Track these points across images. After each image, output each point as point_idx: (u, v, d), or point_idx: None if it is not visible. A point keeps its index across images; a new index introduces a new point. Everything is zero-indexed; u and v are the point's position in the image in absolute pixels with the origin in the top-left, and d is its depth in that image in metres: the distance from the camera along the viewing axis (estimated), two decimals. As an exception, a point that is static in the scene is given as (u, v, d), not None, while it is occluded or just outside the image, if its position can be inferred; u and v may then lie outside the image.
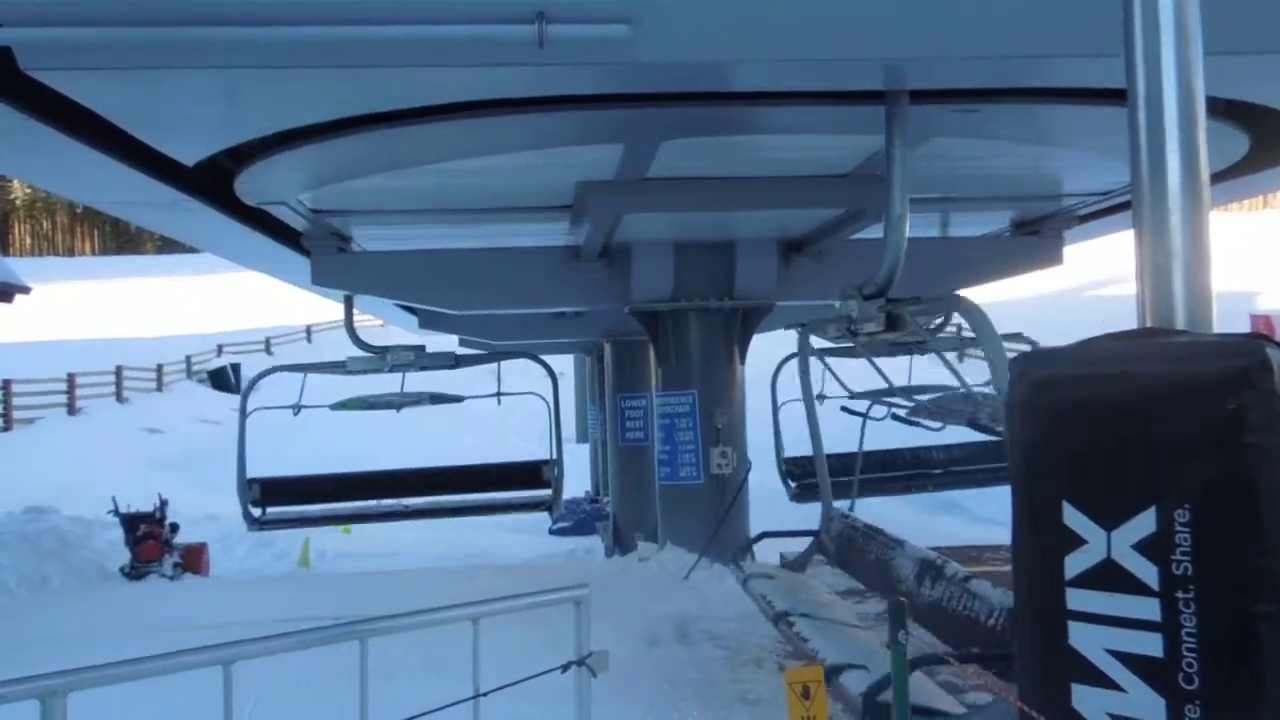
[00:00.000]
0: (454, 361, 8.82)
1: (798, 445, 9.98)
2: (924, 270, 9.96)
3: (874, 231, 8.77)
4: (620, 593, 8.73)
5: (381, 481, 8.89)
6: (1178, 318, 2.36)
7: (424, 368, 8.52)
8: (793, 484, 10.94)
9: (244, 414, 8.14)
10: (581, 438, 24.61)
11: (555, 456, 8.33)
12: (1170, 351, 2.27)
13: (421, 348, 9.44)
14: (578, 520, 18.94)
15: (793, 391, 8.98)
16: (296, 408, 8.33)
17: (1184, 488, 2.15)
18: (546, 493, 9.21)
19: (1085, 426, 2.31)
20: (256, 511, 8.70)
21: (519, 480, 9.35)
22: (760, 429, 16.86)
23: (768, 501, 12.98)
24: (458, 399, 9.16)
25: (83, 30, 4.00)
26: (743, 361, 10.50)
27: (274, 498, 8.63)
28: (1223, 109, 5.93)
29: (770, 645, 7.03)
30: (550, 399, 8.64)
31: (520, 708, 3.76)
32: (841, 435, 11.75)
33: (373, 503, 9.09)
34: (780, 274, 9.79)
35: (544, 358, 10.96)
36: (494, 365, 8.92)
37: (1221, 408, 2.11)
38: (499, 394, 8.65)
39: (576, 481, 21.57)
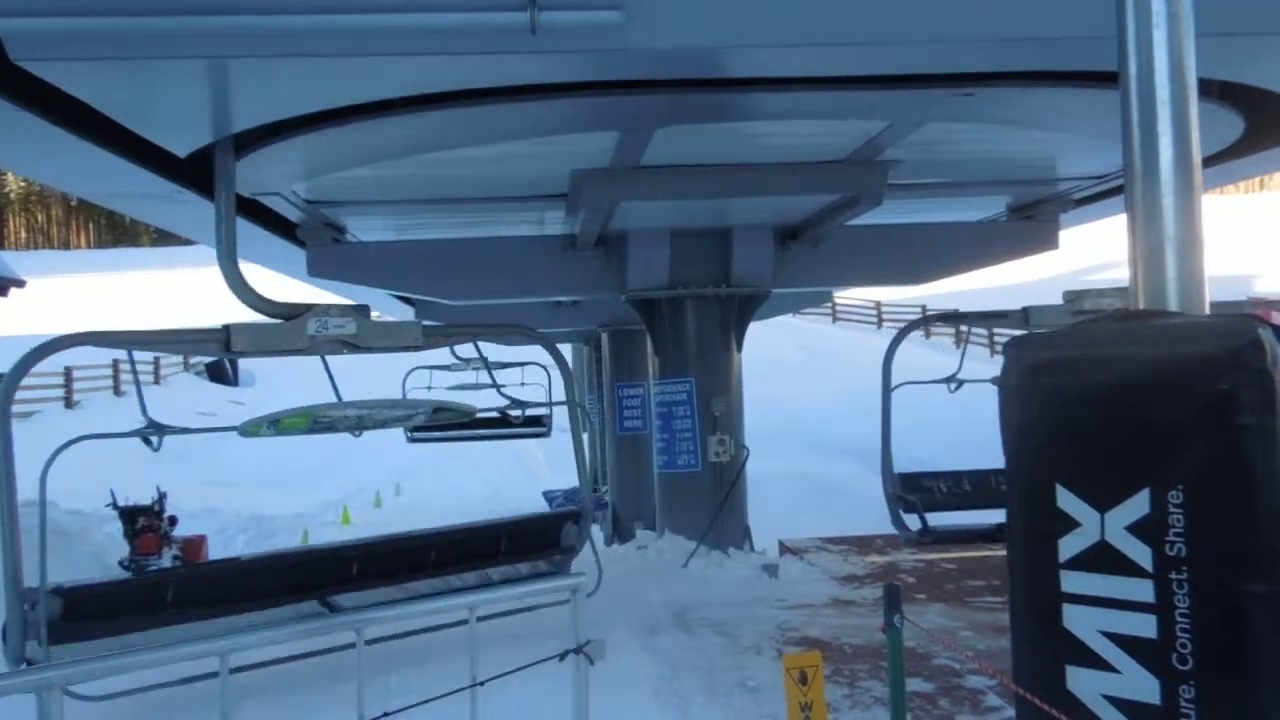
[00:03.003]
0: (501, 365, 12.88)
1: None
2: (922, 255, 10.03)
3: (871, 218, 8.79)
4: (619, 581, 8.75)
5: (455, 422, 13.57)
6: (1170, 300, 2.36)
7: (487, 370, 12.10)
8: (912, 518, 7.51)
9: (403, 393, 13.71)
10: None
11: (548, 411, 10.63)
12: (1163, 333, 2.27)
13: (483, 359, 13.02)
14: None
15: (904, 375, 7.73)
16: (428, 389, 14.29)
17: (1177, 469, 2.16)
18: (545, 428, 15.33)
19: (1078, 409, 2.32)
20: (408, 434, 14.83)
21: (529, 422, 14.70)
22: (758, 419, 16.99)
23: (765, 487, 13.02)
24: (504, 387, 13.45)
25: (73, 20, 3.98)
26: (739, 349, 10.49)
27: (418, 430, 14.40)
28: (1217, 91, 5.92)
29: (769, 632, 7.05)
30: (547, 381, 12.84)
31: (518, 697, 3.77)
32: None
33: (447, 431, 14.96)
34: (776, 261, 9.78)
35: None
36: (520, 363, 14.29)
37: (1214, 389, 2.11)
38: (523, 384, 13.10)
39: (574, 472, 21.62)
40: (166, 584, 5.86)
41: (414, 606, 3.37)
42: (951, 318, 8.38)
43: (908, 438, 7.45)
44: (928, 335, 32.24)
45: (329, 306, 5.80)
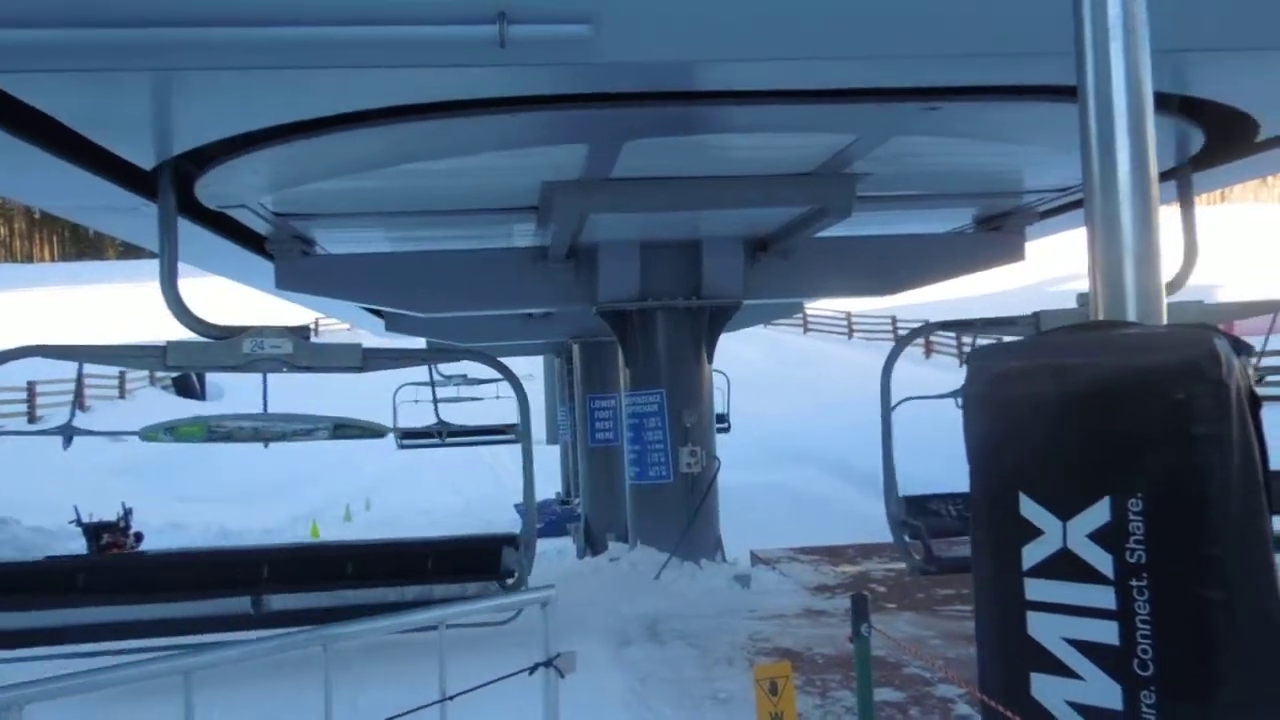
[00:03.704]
0: (479, 381, 15.49)
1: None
2: (891, 266, 10.12)
3: (840, 229, 8.86)
4: (591, 593, 8.74)
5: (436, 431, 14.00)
6: (1129, 310, 2.39)
7: (432, 391, 13.54)
8: (916, 545, 6.79)
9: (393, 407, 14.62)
10: (551, 439, 24.57)
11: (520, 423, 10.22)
12: (1121, 343, 2.31)
13: (464, 375, 16.32)
14: (548, 522, 18.93)
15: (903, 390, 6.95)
16: (415, 401, 15.33)
17: (1137, 478, 2.19)
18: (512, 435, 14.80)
19: (1040, 418, 2.35)
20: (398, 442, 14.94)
21: (500, 431, 15.06)
22: (730, 430, 16.98)
23: (737, 498, 13.05)
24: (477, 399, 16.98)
25: (35, 32, 3.94)
26: (710, 360, 10.53)
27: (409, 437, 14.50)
28: (1178, 106, 6.03)
29: (741, 642, 7.06)
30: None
31: (488, 710, 3.75)
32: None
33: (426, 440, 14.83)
34: (747, 272, 9.83)
35: (511, 359, 11.36)
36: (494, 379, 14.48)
37: (1171, 398, 2.15)
38: (498, 396, 14.80)
39: (546, 484, 21.59)
40: (79, 570, 6.51)
41: (380, 620, 3.34)
42: (957, 326, 7.66)
43: (904, 453, 7.01)
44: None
45: (264, 328, 6.21)
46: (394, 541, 7.50)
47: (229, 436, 6.64)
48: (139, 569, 6.77)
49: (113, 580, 6.43)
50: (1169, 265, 7.14)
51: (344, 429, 6.93)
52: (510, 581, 6.71)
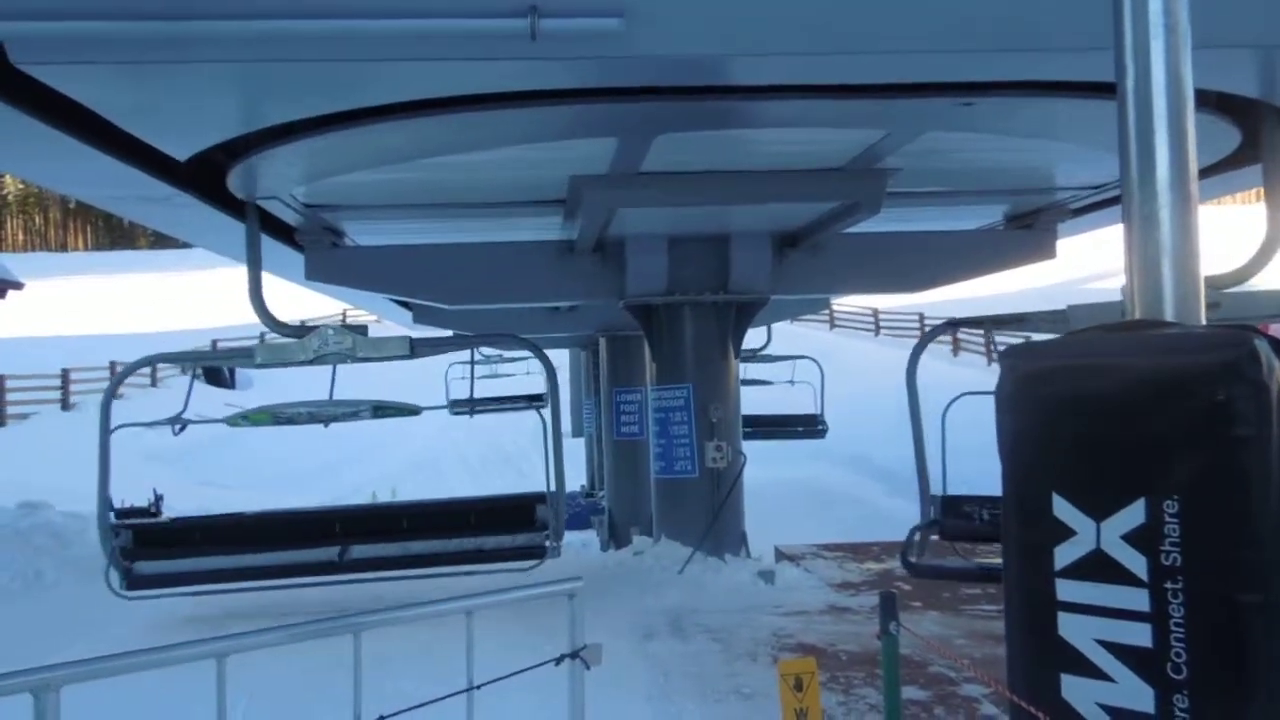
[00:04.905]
0: (513, 360, 16.97)
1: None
2: (919, 263, 10.05)
3: (869, 225, 8.81)
4: (615, 586, 8.77)
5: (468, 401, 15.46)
6: (1167, 310, 2.37)
7: (503, 363, 16.36)
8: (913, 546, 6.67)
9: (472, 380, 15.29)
10: (577, 432, 24.65)
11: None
12: (1159, 343, 2.28)
13: (500, 355, 17.74)
14: (573, 514, 19.02)
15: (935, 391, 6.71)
16: (462, 379, 16.04)
17: (1173, 479, 2.16)
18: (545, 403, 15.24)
19: (1075, 418, 2.32)
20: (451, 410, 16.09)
21: (537, 399, 16.16)
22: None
23: (762, 493, 13.02)
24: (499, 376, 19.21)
25: (75, 24, 3.99)
26: (737, 355, 10.50)
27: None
28: (1215, 102, 5.94)
29: (764, 638, 7.05)
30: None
31: (514, 701, 3.77)
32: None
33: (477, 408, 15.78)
34: (775, 268, 9.79)
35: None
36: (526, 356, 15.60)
37: (1210, 399, 2.12)
38: (528, 372, 16.18)
39: (571, 477, 21.66)
40: (194, 528, 8.01)
41: (409, 610, 3.37)
42: (978, 322, 7.35)
43: (956, 454, 6.58)
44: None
45: (328, 326, 7.23)
46: (440, 501, 8.55)
47: (291, 420, 7.76)
48: (234, 526, 8.02)
49: (223, 534, 7.77)
50: (1244, 253, 7.08)
51: (383, 410, 7.93)
52: (546, 533, 7.45)
